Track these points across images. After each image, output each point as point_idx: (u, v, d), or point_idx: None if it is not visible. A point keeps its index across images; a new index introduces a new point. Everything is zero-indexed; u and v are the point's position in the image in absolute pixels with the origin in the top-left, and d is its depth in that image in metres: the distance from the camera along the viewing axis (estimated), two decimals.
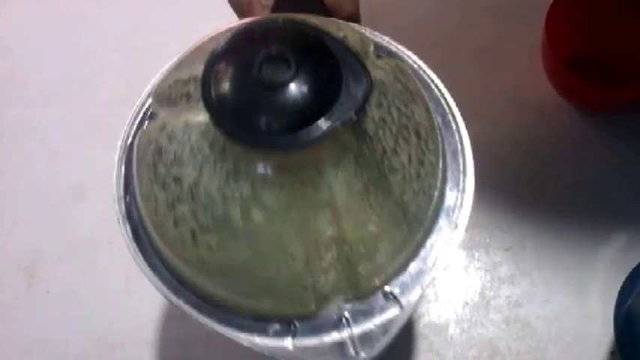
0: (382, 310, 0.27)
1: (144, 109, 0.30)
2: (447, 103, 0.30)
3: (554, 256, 0.45)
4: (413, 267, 0.27)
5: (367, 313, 0.27)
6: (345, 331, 0.26)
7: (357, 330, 0.26)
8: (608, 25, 0.49)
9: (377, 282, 0.27)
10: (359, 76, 0.23)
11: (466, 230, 0.28)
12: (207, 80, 0.23)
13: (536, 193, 0.47)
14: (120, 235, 0.50)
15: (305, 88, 0.23)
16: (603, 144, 0.48)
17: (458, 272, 0.45)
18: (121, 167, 0.30)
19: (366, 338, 0.26)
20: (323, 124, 0.22)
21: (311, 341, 0.26)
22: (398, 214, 0.26)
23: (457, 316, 0.44)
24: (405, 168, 0.26)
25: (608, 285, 0.43)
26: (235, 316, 0.27)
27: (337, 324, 0.26)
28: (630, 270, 0.41)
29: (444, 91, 0.30)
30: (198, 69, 0.24)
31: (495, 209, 0.47)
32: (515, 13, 0.53)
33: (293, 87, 0.23)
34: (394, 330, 0.27)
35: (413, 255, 0.28)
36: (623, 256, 0.44)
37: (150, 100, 0.30)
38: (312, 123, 0.22)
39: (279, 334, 0.27)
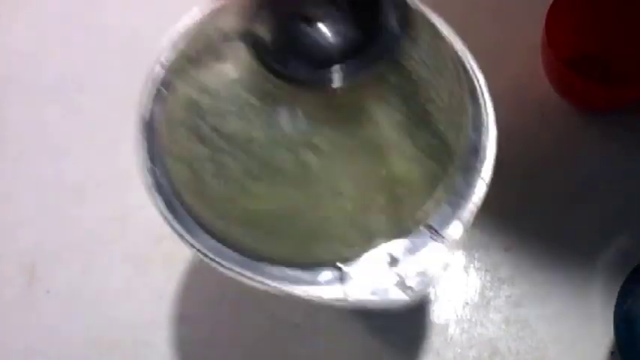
0: (425, 244, 0.27)
1: (152, 82, 0.30)
2: (461, 48, 0.31)
3: (554, 256, 0.45)
4: (450, 201, 0.28)
5: (412, 249, 0.27)
6: (393, 270, 0.27)
7: (403, 266, 0.27)
8: (608, 25, 0.49)
9: (419, 218, 0.27)
10: (396, 12, 0.24)
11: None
12: (250, 26, 0.24)
13: (536, 193, 0.47)
14: (120, 235, 0.50)
15: (347, 24, 0.24)
16: (603, 144, 0.48)
17: (458, 272, 0.45)
18: (143, 141, 0.30)
19: (413, 275, 0.27)
20: (367, 57, 0.23)
21: (361, 283, 0.27)
22: (438, 147, 0.27)
23: (457, 316, 0.44)
24: (442, 100, 0.27)
25: (608, 285, 0.43)
26: (283, 268, 0.27)
27: (385, 264, 0.27)
28: (630, 270, 0.41)
29: (454, 36, 0.31)
30: (224, 24, 0.25)
31: (495, 209, 0.47)
32: (515, 13, 0.53)
33: (335, 23, 0.23)
34: (440, 264, 0.27)
35: (449, 190, 0.28)
36: (623, 256, 0.44)
37: (160, 71, 0.30)
38: (356, 57, 0.23)
39: (329, 281, 0.27)
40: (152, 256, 0.46)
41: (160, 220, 0.48)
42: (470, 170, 0.29)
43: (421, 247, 0.27)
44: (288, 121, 0.25)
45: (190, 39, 0.28)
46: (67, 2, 0.58)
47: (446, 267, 0.30)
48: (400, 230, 0.27)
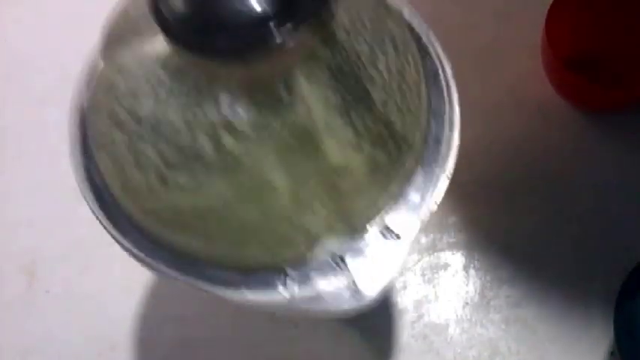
0: (380, 246, 0.25)
1: (87, 70, 0.29)
2: (422, 29, 0.29)
3: (554, 256, 0.45)
4: (406, 197, 0.26)
5: (364, 251, 0.25)
6: (342, 274, 0.24)
7: (354, 271, 0.24)
8: (609, 25, 0.49)
9: (370, 215, 0.25)
10: None
11: (451, 176, 0.27)
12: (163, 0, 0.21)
13: (536, 193, 0.47)
14: None
15: None
16: (603, 144, 0.48)
17: (458, 272, 0.45)
18: (76, 131, 0.28)
19: (365, 278, 0.24)
20: (286, 25, 0.20)
21: (306, 288, 0.25)
22: (383, 133, 0.24)
23: (457, 316, 0.44)
24: (385, 80, 0.24)
25: (608, 285, 0.43)
26: (220, 271, 0.25)
27: (333, 266, 0.25)
28: (630, 270, 0.41)
29: (415, 16, 0.29)
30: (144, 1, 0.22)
31: (495, 209, 0.47)
32: (515, 13, 0.53)
33: None
34: (395, 267, 0.25)
35: (405, 184, 0.26)
36: (623, 256, 0.44)
37: (95, 57, 0.28)
38: (282, 24, 0.20)
39: (271, 285, 0.25)
40: None
41: None
42: (430, 163, 0.26)
43: (373, 247, 0.25)
44: (205, 102, 0.22)
45: (116, 20, 0.26)
46: (68, 2, 0.58)
47: (401, 268, 0.26)
48: (349, 228, 0.25)
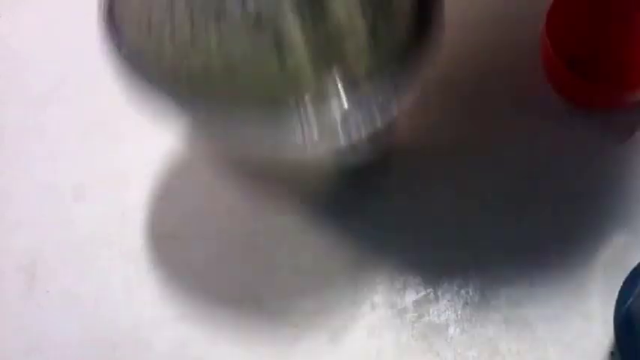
0: (375, 100, 0.29)
1: None
2: None
3: (554, 256, 0.45)
4: (402, 64, 0.29)
5: (361, 102, 0.28)
6: (347, 116, 0.28)
7: (353, 116, 0.28)
8: (609, 25, 0.49)
9: (369, 70, 0.28)
10: None
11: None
12: None
13: (536, 193, 0.47)
14: (120, 235, 0.50)
15: None
16: (603, 144, 0.48)
17: (458, 272, 0.45)
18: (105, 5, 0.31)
19: (365, 119, 0.29)
20: None
21: (317, 128, 0.28)
22: (382, 5, 0.28)
23: (457, 316, 0.44)
24: None
25: (608, 285, 0.43)
26: (244, 112, 0.28)
27: (338, 111, 0.28)
28: (630, 270, 0.41)
29: None
30: None
31: (495, 209, 0.47)
32: (515, 13, 0.53)
33: None
34: (388, 120, 0.29)
35: (401, 53, 0.29)
36: (623, 256, 0.44)
37: None
38: None
39: (288, 126, 0.28)
40: (152, 256, 0.46)
41: (158, 219, 0.48)
42: (420, 34, 0.30)
43: (371, 101, 0.28)
44: None
45: None
46: (68, 2, 0.58)
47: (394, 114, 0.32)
48: (352, 84, 0.28)
